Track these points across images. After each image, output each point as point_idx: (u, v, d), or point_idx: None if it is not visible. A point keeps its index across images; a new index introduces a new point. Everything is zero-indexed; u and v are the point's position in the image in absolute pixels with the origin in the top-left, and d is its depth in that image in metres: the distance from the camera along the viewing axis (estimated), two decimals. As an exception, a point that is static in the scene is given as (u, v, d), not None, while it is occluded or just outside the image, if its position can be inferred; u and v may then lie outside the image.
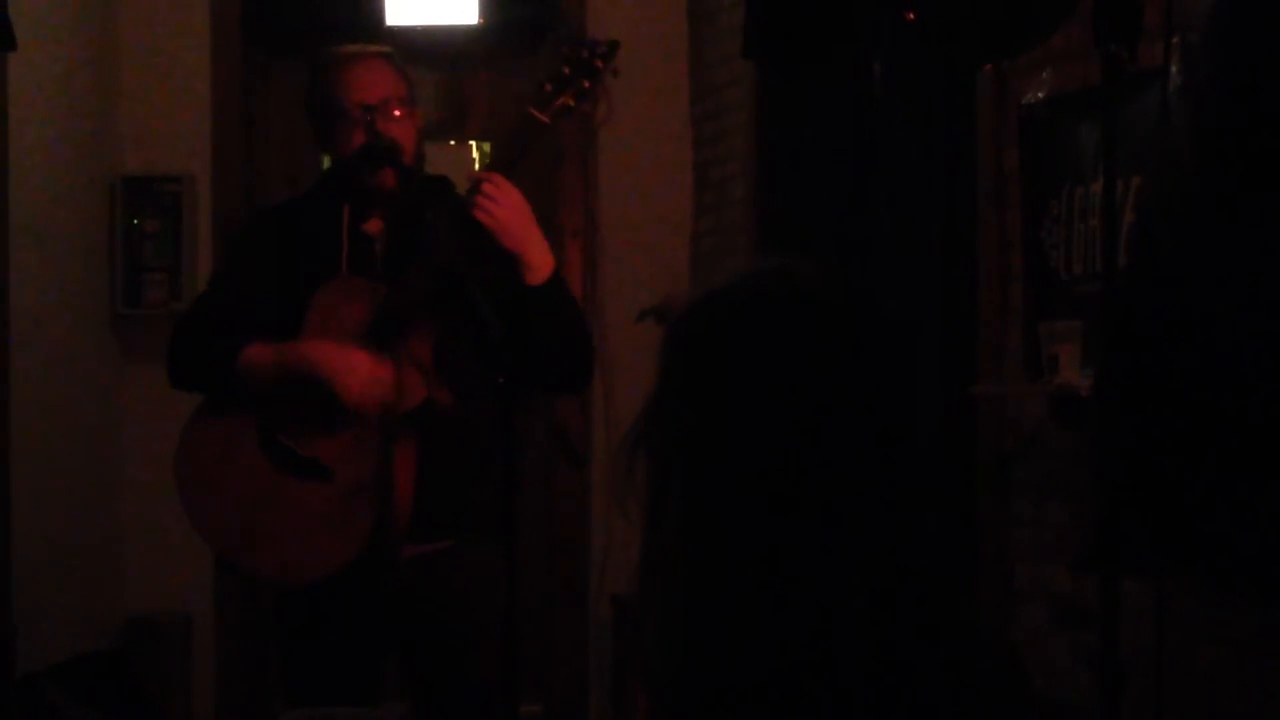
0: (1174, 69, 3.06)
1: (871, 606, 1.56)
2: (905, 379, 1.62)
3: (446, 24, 6.32)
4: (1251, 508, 2.70)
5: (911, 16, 3.61)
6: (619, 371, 6.32)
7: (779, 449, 1.56)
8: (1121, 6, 2.98)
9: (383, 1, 6.26)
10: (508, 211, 3.59)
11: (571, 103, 3.66)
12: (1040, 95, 4.27)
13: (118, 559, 6.22)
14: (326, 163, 4.05)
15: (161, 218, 6.23)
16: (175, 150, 6.29)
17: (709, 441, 1.59)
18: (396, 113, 3.73)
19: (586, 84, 3.67)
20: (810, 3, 5.17)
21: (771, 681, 1.55)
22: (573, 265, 6.34)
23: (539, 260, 3.65)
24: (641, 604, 1.64)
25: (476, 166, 6.58)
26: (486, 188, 3.58)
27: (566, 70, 3.67)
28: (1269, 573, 2.83)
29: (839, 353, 1.60)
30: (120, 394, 6.21)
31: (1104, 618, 3.03)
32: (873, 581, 1.56)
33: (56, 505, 5.70)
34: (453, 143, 6.61)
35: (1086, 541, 3.32)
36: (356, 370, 3.61)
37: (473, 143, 6.65)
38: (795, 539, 1.56)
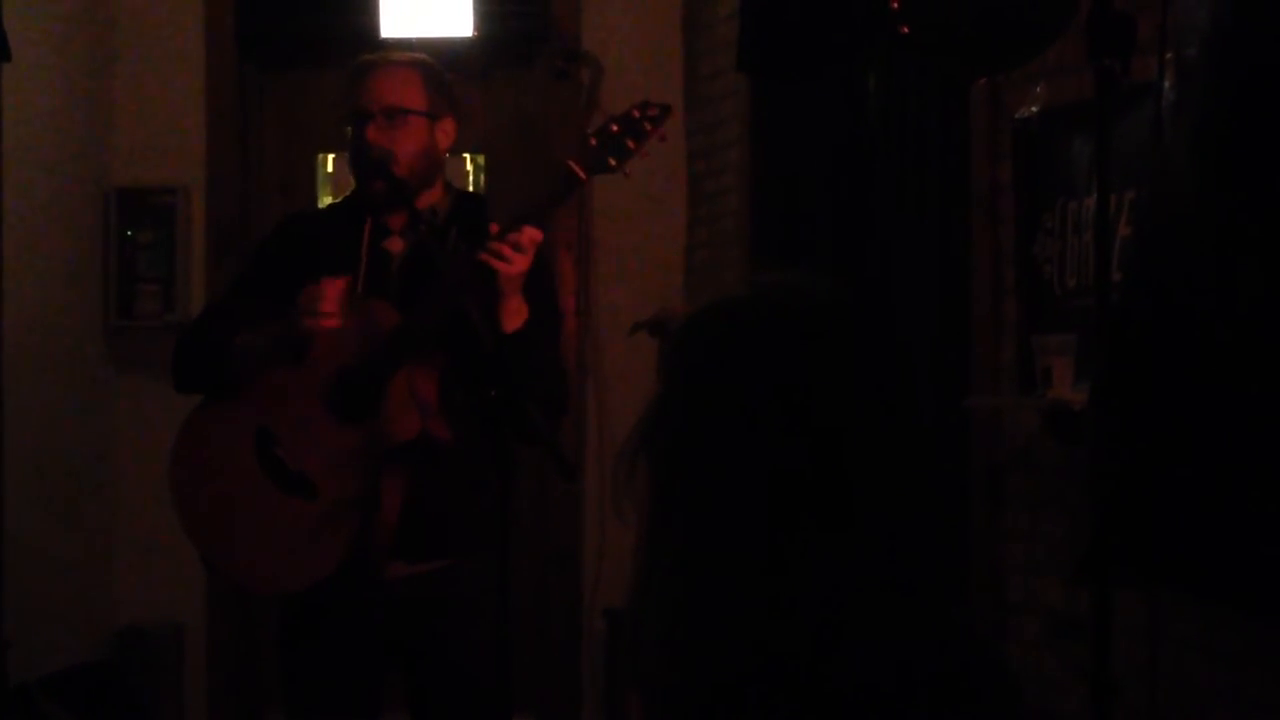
0: (1168, 84, 3.07)
1: (868, 616, 1.56)
2: (906, 391, 1.63)
3: (441, 36, 6.32)
4: (1245, 522, 2.71)
5: (905, 30, 3.62)
6: (611, 384, 6.32)
7: (780, 458, 1.57)
8: (1115, 21, 2.99)
9: (378, 14, 6.26)
10: (526, 265, 3.55)
11: (613, 162, 3.61)
12: (1034, 109, 4.28)
13: (110, 570, 6.22)
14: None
15: (155, 229, 6.23)
16: (169, 162, 6.29)
17: (711, 449, 1.59)
18: (408, 120, 3.72)
19: (631, 144, 3.62)
20: (805, 16, 5.18)
21: (769, 689, 1.55)
22: (566, 278, 6.34)
23: (517, 312, 3.61)
24: (639, 611, 1.64)
25: (470, 178, 6.59)
26: (525, 240, 3.53)
27: (615, 129, 3.61)
28: (1261, 586, 2.84)
29: (841, 366, 1.60)
30: (113, 405, 6.20)
31: (1097, 631, 3.04)
32: (870, 591, 1.57)
33: (49, 516, 5.70)
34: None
35: (1081, 553, 3.33)
36: (305, 299, 3.60)
37: (465, 155, 6.65)
38: (795, 547, 1.56)
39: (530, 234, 3.53)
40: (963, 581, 4.46)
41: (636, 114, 3.63)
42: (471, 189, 6.53)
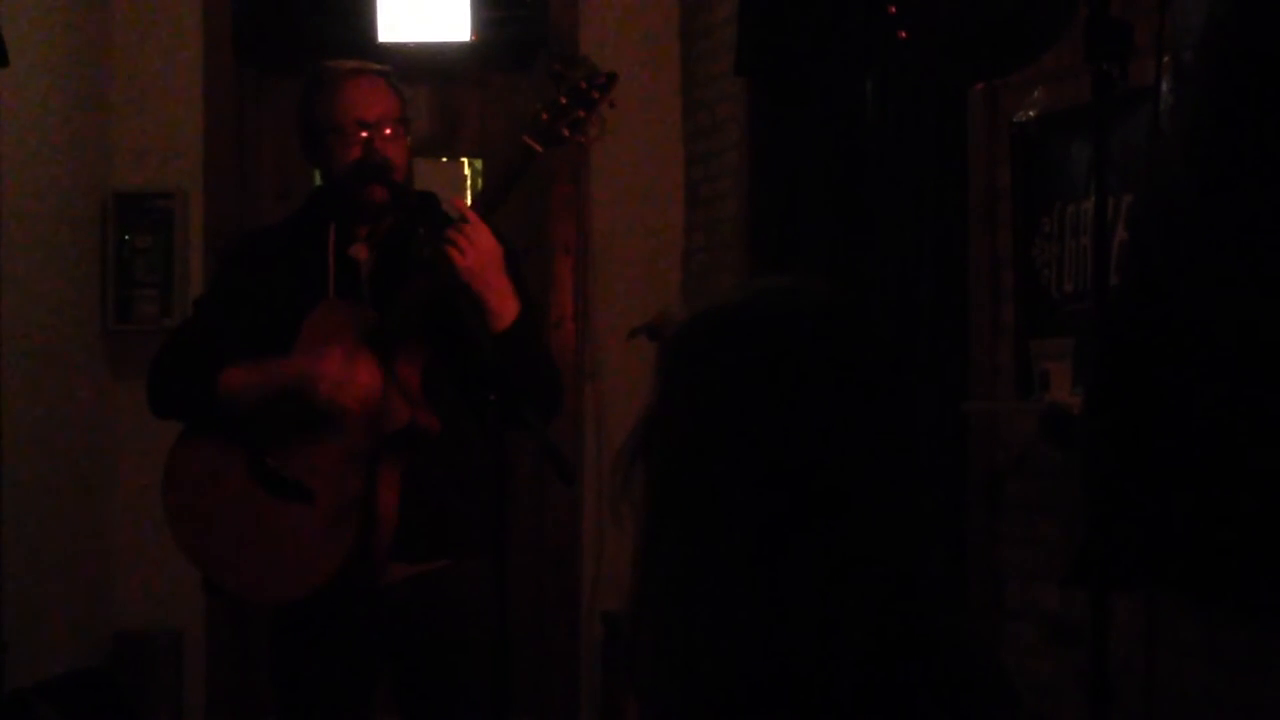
0: (1165, 87, 3.07)
1: (866, 623, 1.56)
2: (904, 396, 1.63)
3: (438, 41, 6.33)
4: (1240, 524, 2.71)
5: (904, 35, 3.62)
6: (610, 388, 6.32)
7: (778, 462, 1.57)
8: (1112, 25, 2.99)
9: (375, 18, 6.26)
10: (477, 255, 3.58)
11: (566, 132, 3.66)
12: (1032, 113, 4.28)
13: (108, 575, 6.21)
14: (318, 179, 4.05)
15: (153, 234, 6.23)
16: (167, 166, 6.29)
17: (708, 454, 1.59)
18: (388, 131, 3.74)
19: (582, 114, 3.66)
20: (803, 20, 5.18)
21: (769, 696, 1.55)
22: (564, 282, 6.34)
23: (501, 306, 3.62)
24: (637, 617, 1.64)
25: (468, 183, 6.60)
26: (466, 228, 3.57)
27: (563, 100, 3.66)
28: (1257, 588, 2.84)
29: (839, 369, 1.60)
30: (111, 409, 6.20)
31: (1094, 636, 3.04)
32: (868, 597, 1.56)
33: (46, 520, 5.69)
34: (444, 159, 6.61)
35: (1075, 556, 3.33)
36: (326, 374, 3.62)
37: (464, 159, 6.65)
38: (792, 553, 1.56)
39: (477, 225, 3.57)
40: (960, 587, 4.46)
41: (584, 84, 3.68)
42: (470, 193, 6.54)
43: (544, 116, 3.65)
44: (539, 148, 3.65)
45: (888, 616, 1.57)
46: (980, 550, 4.51)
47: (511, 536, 3.40)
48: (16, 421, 5.40)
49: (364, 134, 3.72)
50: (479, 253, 3.57)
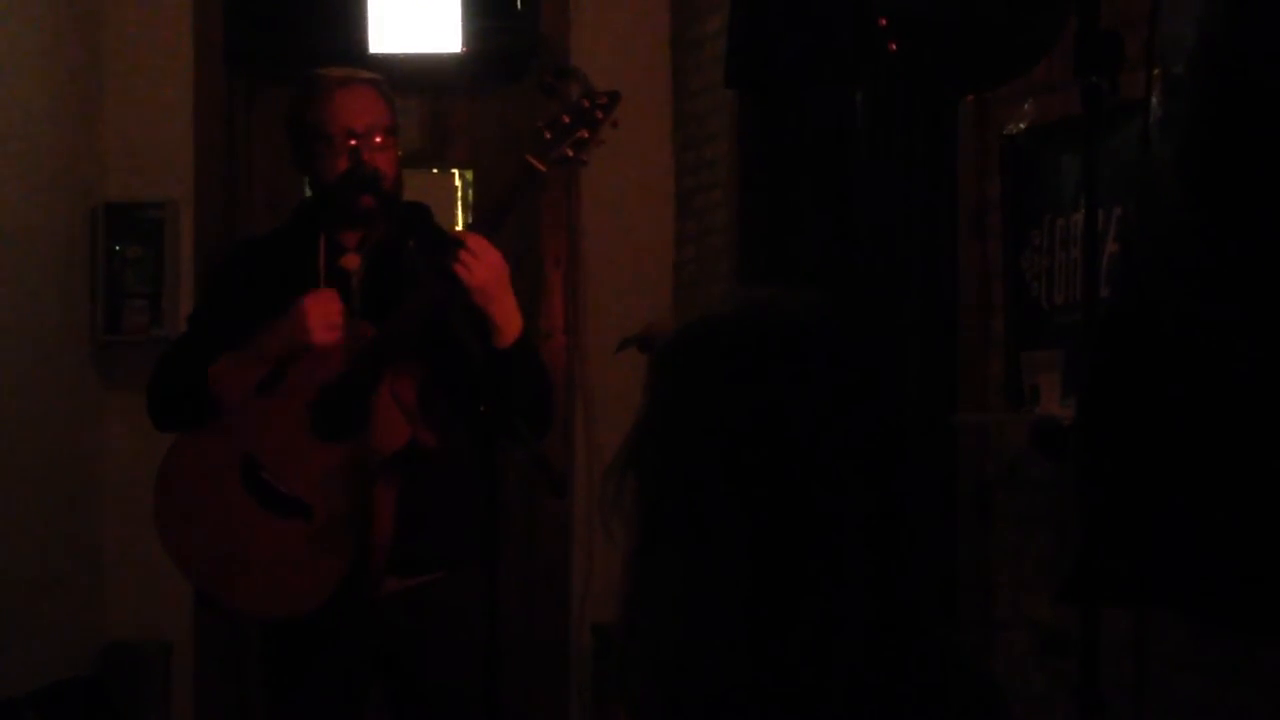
0: (1155, 100, 3.08)
1: (858, 632, 1.56)
2: (893, 408, 1.63)
3: (429, 52, 6.33)
4: (1232, 540, 2.71)
5: (894, 47, 3.62)
6: (600, 400, 6.31)
7: (768, 473, 1.57)
8: (1102, 38, 3.00)
9: (366, 29, 6.26)
10: (486, 271, 3.58)
11: (570, 152, 3.65)
12: (1022, 126, 4.28)
13: (98, 585, 6.20)
14: (308, 188, 4.05)
15: (143, 244, 6.22)
16: (158, 177, 6.28)
17: (697, 467, 1.59)
18: (377, 140, 3.73)
19: (585, 134, 3.66)
20: (793, 32, 5.19)
21: (759, 708, 1.55)
22: (554, 293, 6.34)
23: (507, 323, 3.63)
24: (628, 629, 1.64)
25: (459, 194, 6.60)
26: (471, 245, 3.56)
27: (566, 119, 3.65)
28: (1248, 605, 2.84)
29: (828, 381, 1.60)
30: (101, 420, 6.19)
31: (1084, 647, 3.04)
32: (860, 607, 1.56)
33: (36, 531, 5.68)
34: (435, 170, 6.61)
35: (1068, 572, 3.33)
36: (308, 314, 3.61)
37: (455, 170, 6.65)
38: (785, 565, 1.56)
39: (481, 242, 3.57)
40: (951, 598, 4.46)
41: (586, 103, 3.68)
42: (461, 204, 6.53)
43: (547, 135, 3.65)
44: (542, 167, 3.64)
45: (878, 627, 1.57)
46: (971, 561, 4.52)
47: (502, 548, 3.39)
48: (6, 431, 5.39)
49: (353, 143, 3.71)
50: (487, 269, 3.56)
